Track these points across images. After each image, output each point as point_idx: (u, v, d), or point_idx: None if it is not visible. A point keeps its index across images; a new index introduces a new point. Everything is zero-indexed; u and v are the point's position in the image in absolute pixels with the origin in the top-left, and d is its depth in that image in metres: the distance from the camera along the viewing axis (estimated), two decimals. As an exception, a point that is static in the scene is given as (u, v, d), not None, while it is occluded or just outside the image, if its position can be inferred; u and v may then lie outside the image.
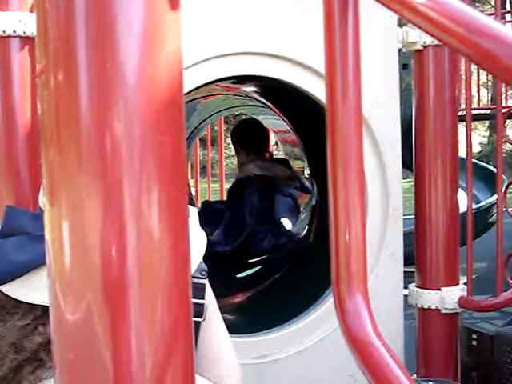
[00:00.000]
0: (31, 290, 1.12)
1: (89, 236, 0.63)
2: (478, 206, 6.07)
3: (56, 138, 0.65)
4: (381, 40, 2.35)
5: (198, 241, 1.21)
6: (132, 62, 0.63)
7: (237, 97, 4.54)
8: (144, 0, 0.63)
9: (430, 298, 2.44)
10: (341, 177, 0.84)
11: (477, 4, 19.20)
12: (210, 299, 1.28)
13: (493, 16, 2.97)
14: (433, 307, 2.43)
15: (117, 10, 0.62)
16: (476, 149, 17.20)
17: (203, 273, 1.25)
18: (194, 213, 1.21)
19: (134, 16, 0.63)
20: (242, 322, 2.94)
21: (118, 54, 0.62)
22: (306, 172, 4.91)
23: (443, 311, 2.43)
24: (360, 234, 0.83)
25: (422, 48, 2.40)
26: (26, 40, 1.99)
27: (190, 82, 2.13)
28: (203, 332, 1.27)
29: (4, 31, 1.96)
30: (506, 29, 0.63)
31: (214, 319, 1.30)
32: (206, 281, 1.26)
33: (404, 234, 2.49)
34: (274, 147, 6.56)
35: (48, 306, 0.67)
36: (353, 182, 0.83)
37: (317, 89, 2.29)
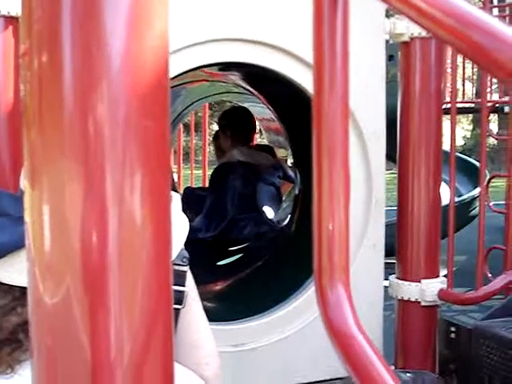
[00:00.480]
0: (11, 271, 1.12)
1: (69, 220, 0.62)
2: (459, 199, 6.09)
3: (38, 120, 0.64)
4: (368, 30, 2.35)
5: (179, 227, 1.20)
6: (118, 44, 0.62)
7: (222, 83, 4.52)
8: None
9: (409, 290, 2.45)
10: (326, 167, 0.83)
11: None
12: (190, 286, 1.27)
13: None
14: (412, 299, 2.44)
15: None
16: (459, 142, 17.26)
17: (184, 260, 1.24)
18: (176, 199, 1.20)
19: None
20: (222, 310, 2.94)
21: (104, 35, 0.61)
22: (290, 161, 4.91)
23: (423, 303, 2.44)
24: (343, 224, 0.83)
25: (409, 40, 2.40)
26: (9, 20, 1.97)
27: (176, 67, 2.12)
28: (183, 319, 1.27)
29: (-13, 11, 1.94)
30: (497, 22, 0.63)
31: (193, 306, 1.30)
32: (186, 268, 1.26)
33: (386, 225, 2.50)
34: (258, 135, 6.55)
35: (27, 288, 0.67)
36: (338, 173, 0.83)
37: (303, 77, 2.28)
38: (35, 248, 0.65)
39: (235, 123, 4.48)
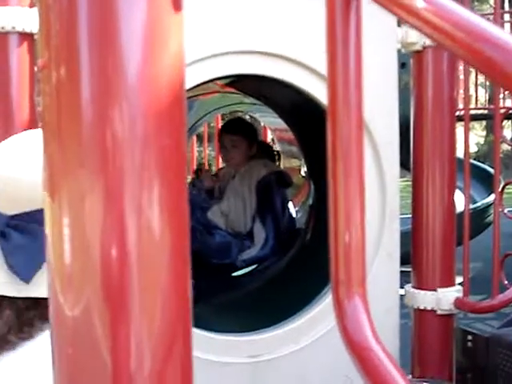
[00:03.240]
0: None
1: (89, 232, 0.63)
2: (474, 206, 6.07)
3: (57, 133, 0.65)
4: (380, 40, 2.35)
5: None
6: (134, 62, 0.63)
7: (234, 94, 4.54)
8: (147, 1, 0.63)
9: (425, 299, 2.44)
10: (341, 179, 0.84)
11: (475, 3, 19.19)
12: None
13: (491, 16, 2.97)
14: (428, 308, 2.44)
15: (120, 10, 0.62)
16: (473, 149, 17.20)
17: None
18: None
19: (137, 16, 0.63)
20: (237, 321, 2.94)
21: (120, 52, 0.62)
22: (303, 170, 4.91)
23: (439, 312, 2.43)
24: (360, 236, 0.83)
25: (421, 49, 2.40)
26: (25, 36, 1.99)
27: (189, 79, 2.13)
28: None
29: (3, 27, 1.95)
30: (507, 35, 0.63)
31: None
32: None
33: (401, 234, 2.50)
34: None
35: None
36: (353, 185, 0.83)
37: (316, 88, 2.29)
38: (55, 260, 0.65)
39: (253, 130, 4.42)
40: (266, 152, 4.60)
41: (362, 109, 0.83)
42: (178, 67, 0.66)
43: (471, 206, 5.76)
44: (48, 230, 0.66)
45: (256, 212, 4.08)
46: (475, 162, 7.25)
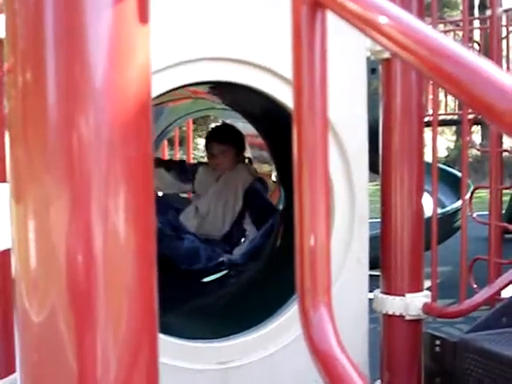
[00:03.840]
0: None
1: (55, 237, 0.63)
2: (443, 210, 6.11)
3: (23, 137, 0.65)
4: (349, 47, 2.37)
5: None
6: (100, 69, 0.63)
7: (205, 100, 4.53)
8: (113, 11, 0.63)
9: (394, 305, 2.45)
10: (306, 186, 0.84)
11: (446, 9, 19.36)
12: None
13: (461, 22, 3.00)
14: (397, 313, 2.45)
15: (86, 18, 0.62)
16: (443, 153, 17.32)
17: None
18: None
19: (104, 26, 0.63)
20: (206, 327, 2.93)
21: (87, 59, 0.62)
22: (274, 175, 4.92)
23: (407, 318, 2.44)
24: (324, 245, 0.84)
25: (390, 57, 2.42)
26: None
27: (160, 86, 2.13)
28: None
29: (-29, 31, 1.94)
30: (467, 51, 0.64)
31: None
32: None
33: (371, 238, 2.51)
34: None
35: None
36: (319, 191, 0.84)
37: (284, 95, 2.29)
38: (21, 264, 0.65)
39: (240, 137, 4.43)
40: None
41: (327, 115, 0.84)
42: (145, 78, 0.67)
43: (440, 211, 5.81)
44: (14, 233, 0.66)
45: (244, 212, 4.11)
46: (444, 167, 7.29)
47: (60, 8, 0.62)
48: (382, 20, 0.72)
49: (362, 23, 0.76)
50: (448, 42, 0.67)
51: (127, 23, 0.64)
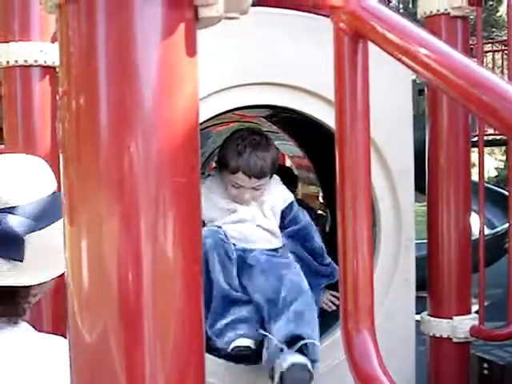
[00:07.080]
0: None
1: (106, 256, 0.65)
2: (493, 231, 6.02)
3: (76, 159, 0.67)
4: (395, 71, 2.37)
5: None
6: (150, 98, 0.65)
7: (252, 123, 4.56)
8: (163, 44, 0.66)
9: (441, 327, 2.43)
10: (349, 208, 0.86)
11: (494, 29, 19.09)
12: None
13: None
14: (444, 336, 2.43)
15: (137, 50, 0.65)
16: (493, 173, 17.04)
17: None
18: None
19: (153, 57, 0.66)
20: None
21: (138, 88, 0.65)
22: (321, 196, 4.92)
23: (455, 340, 2.42)
24: (367, 268, 0.86)
25: (435, 78, 2.41)
26: (46, 69, 2.04)
27: (207, 111, 2.16)
28: None
29: (26, 61, 2.01)
30: (503, 82, 0.66)
31: None
32: None
33: (417, 259, 2.49)
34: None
35: None
36: (360, 214, 0.86)
37: (332, 119, 2.31)
38: (74, 283, 0.68)
39: None
40: (287, 175, 4.59)
41: (369, 137, 0.86)
42: (192, 106, 0.69)
43: (490, 232, 5.71)
44: (67, 252, 0.69)
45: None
46: (494, 187, 7.18)
47: (112, 38, 0.65)
48: (417, 51, 0.74)
49: (401, 54, 0.79)
50: (483, 73, 0.69)
51: (176, 55, 0.67)
